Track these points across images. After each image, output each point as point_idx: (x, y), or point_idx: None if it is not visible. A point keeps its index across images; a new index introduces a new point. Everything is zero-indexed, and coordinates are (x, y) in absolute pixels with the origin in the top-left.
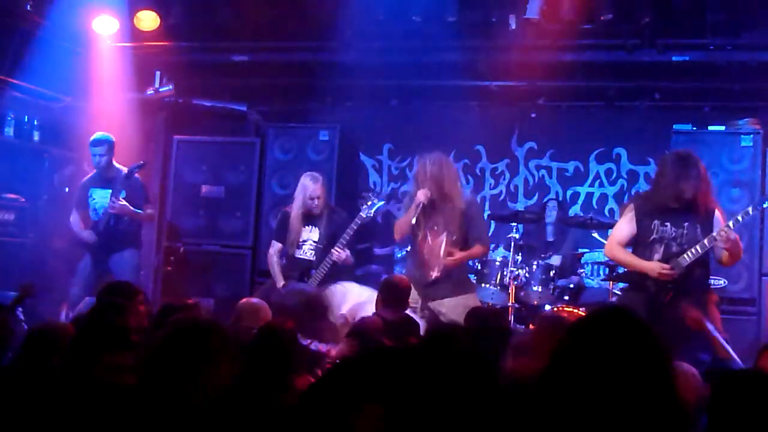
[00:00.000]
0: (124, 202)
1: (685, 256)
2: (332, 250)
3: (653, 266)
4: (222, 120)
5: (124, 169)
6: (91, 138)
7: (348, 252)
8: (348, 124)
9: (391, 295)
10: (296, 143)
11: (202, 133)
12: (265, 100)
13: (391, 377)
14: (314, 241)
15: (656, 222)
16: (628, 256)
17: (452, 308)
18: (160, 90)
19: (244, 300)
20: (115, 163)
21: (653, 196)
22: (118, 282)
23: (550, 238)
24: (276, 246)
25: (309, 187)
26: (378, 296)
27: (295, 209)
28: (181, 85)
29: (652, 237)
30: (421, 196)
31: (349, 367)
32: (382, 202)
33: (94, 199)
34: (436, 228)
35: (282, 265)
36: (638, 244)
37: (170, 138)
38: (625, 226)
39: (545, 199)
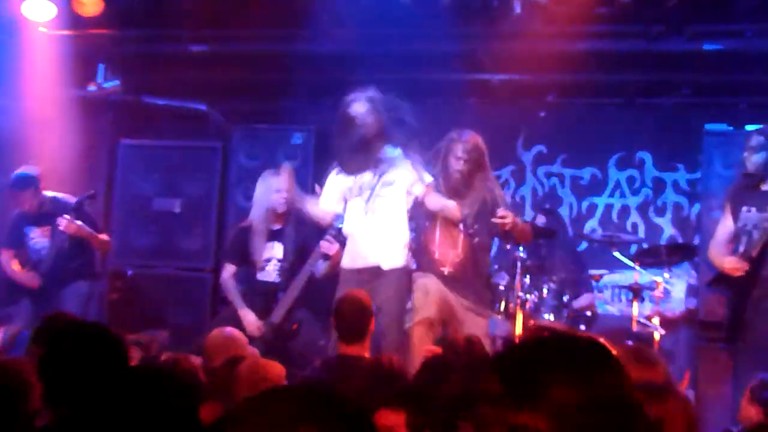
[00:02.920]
0: (79, 223)
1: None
2: (321, 243)
3: (727, 262)
4: (177, 121)
5: (70, 199)
6: (11, 180)
7: (338, 246)
8: (326, 126)
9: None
10: (265, 148)
11: (154, 136)
12: (228, 97)
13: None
14: (279, 260)
15: (744, 208)
16: (715, 258)
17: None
18: (105, 86)
19: (216, 332)
20: (50, 194)
21: (740, 179)
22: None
23: (544, 255)
24: (230, 269)
25: (272, 181)
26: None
27: (255, 221)
28: (129, 80)
29: (738, 226)
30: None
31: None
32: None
33: (32, 238)
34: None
35: (241, 291)
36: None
37: (116, 142)
38: (722, 221)
39: (534, 213)
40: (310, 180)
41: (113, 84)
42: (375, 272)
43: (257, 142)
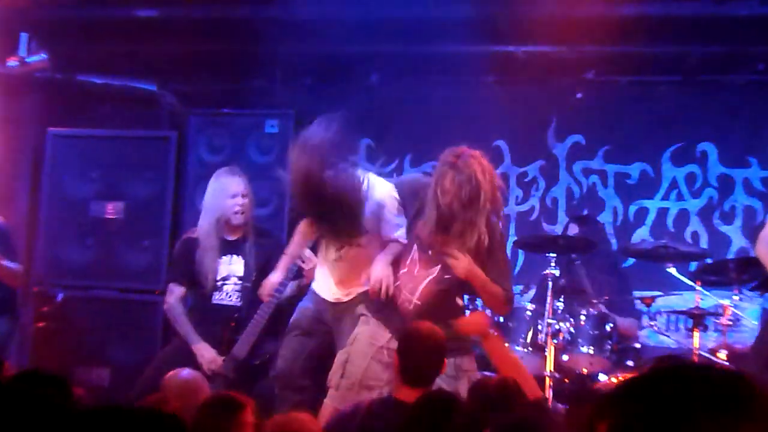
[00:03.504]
0: None
1: None
2: (301, 262)
3: None
4: (120, 105)
5: None
6: None
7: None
8: (307, 111)
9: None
10: (231, 138)
11: (91, 124)
12: (184, 75)
13: None
14: (239, 278)
15: None
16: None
17: None
18: (28, 61)
19: (171, 374)
20: None
21: None
22: None
23: (581, 273)
24: (177, 291)
25: (227, 183)
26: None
27: (205, 231)
28: (59, 53)
29: None
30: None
31: None
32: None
33: None
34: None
35: (193, 318)
36: None
37: (43, 131)
38: None
39: (567, 220)
40: (288, 179)
41: (39, 58)
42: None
43: (221, 131)
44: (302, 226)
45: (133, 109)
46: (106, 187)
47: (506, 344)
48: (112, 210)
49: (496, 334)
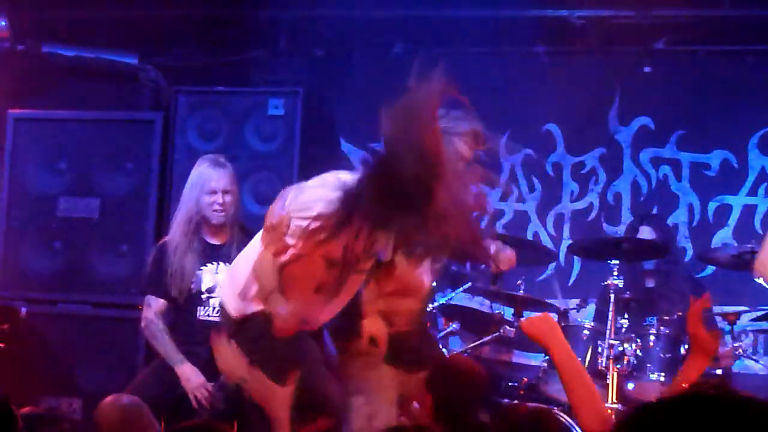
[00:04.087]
0: None
1: None
2: None
3: None
4: (95, 81)
5: None
6: None
7: None
8: (317, 88)
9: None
10: (226, 121)
11: (61, 105)
12: (170, 46)
13: None
14: None
15: None
16: None
17: None
18: None
19: (108, 400)
20: None
21: None
22: None
23: (650, 284)
24: (155, 304)
25: (207, 176)
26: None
27: (180, 230)
28: (21, 21)
29: None
30: None
31: None
32: None
33: None
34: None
35: (175, 336)
36: None
37: (1, 113)
38: None
39: (642, 220)
40: (296, 171)
41: None
42: None
43: (214, 113)
44: None
45: (109, 87)
46: (78, 180)
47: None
48: (84, 208)
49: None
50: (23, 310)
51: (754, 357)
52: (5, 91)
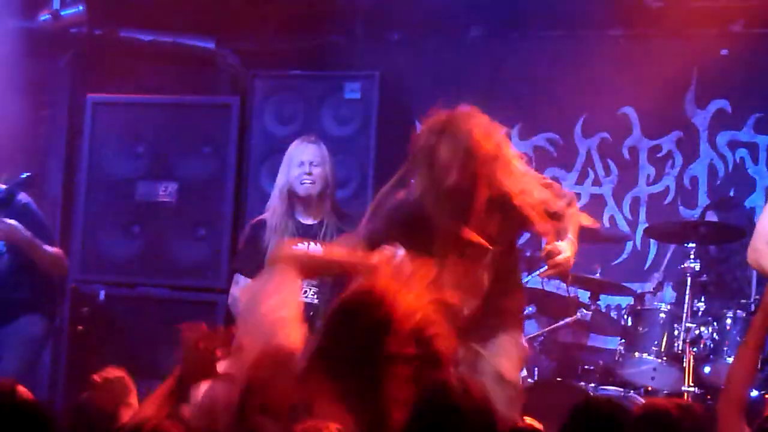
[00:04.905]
0: (12, 222)
1: None
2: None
3: None
4: (172, 65)
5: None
6: None
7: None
8: (394, 72)
9: None
10: (304, 105)
11: (138, 89)
12: (247, 31)
13: None
14: None
15: None
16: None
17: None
18: (63, 14)
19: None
20: None
21: None
22: None
23: (727, 268)
24: (242, 283)
25: (295, 151)
26: None
27: (274, 210)
28: (98, 6)
29: None
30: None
31: None
32: None
33: None
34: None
35: None
36: None
37: (81, 98)
38: None
39: (704, 205)
40: (372, 155)
41: (76, 11)
42: None
43: (291, 97)
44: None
45: (186, 72)
46: (156, 164)
47: None
48: (162, 192)
49: None
50: (101, 293)
51: None
52: (83, 76)
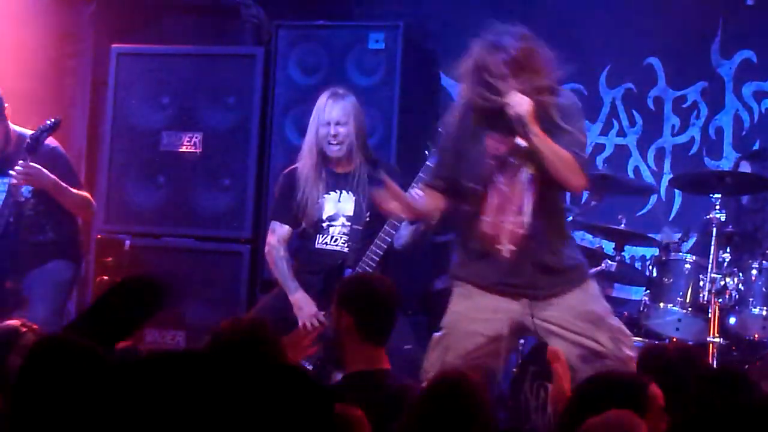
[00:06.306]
0: (37, 166)
1: None
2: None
3: None
4: (197, 16)
5: (27, 133)
6: None
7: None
8: (419, 21)
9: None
10: (328, 56)
11: (162, 40)
12: None
13: None
14: (348, 218)
15: None
16: None
17: (564, 319)
18: None
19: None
20: (12, 126)
21: None
22: None
23: (753, 218)
24: (280, 230)
25: (321, 109)
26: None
27: (304, 162)
28: None
29: None
30: (520, 100)
31: None
32: None
33: None
34: (512, 161)
35: (293, 264)
36: None
37: (105, 48)
38: None
39: (737, 157)
40: (396, 106)
41: None
42: None
43: (316, 47)
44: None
45: (211, 22)
46: (180, 114)
47: None
48: (187, 142)
49: None
50: (127, 242)
51: None
52: (108, 27)
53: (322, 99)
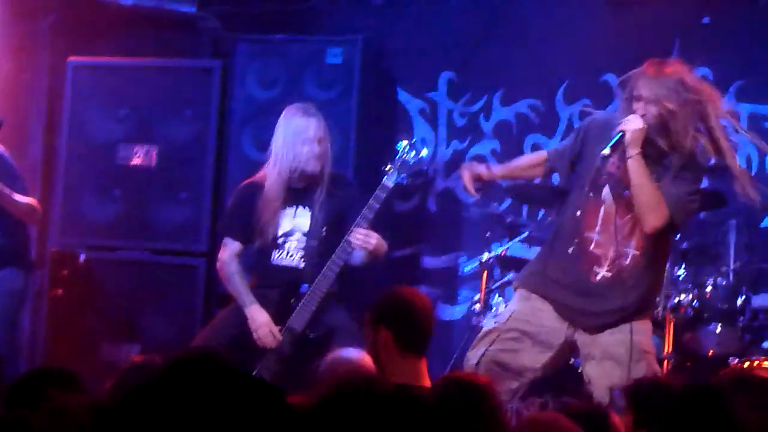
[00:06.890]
0: None
1: None
2: (350, 235)
3: None
4: (154, 29)
5: None
6: None
7: (377, 236)
8: (377, 36)
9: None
10: (286, 70)
11: (119, 52)
12: None
13: None
14: (304, 234)
15: None
16: None
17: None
18: None
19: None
20: None
21: None
22: None
23: (708, 235)
24: (231, 246)
25: (301, 126)
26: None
27: (272, 176)
28: None
29: None
30: (635, 121)
31: None
32: (424, 152)
33: None
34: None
35: (250, 280)
36: None
37: (61, 61)
38: None
39: None
40: (354, 121)
41: None
42: None
43: (274, 61)
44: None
45: (168, 35)
46: (137, 128)
47: None
48: (143, 156)
49: None
50: (82, 256)
51: None
52: (64, 39)
53: (298, 117)
